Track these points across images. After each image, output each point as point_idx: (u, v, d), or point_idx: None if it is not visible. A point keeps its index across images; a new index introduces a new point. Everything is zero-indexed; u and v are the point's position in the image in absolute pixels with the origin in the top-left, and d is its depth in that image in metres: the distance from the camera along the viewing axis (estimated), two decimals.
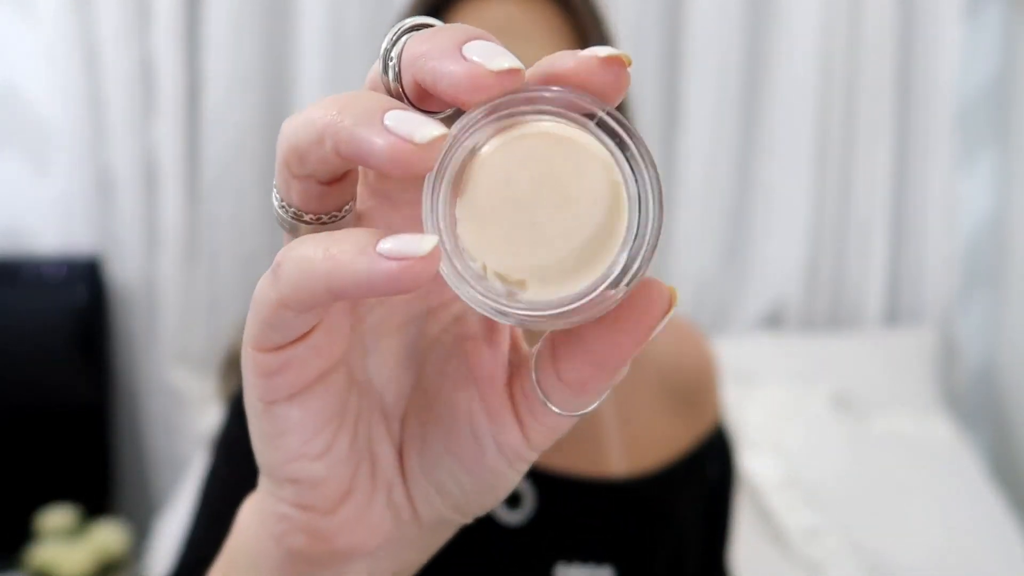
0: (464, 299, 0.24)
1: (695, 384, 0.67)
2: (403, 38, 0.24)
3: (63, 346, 1.53)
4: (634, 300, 0.24)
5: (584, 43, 0.57)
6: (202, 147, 1.59)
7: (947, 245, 1.67)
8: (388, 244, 0.22)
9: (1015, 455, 1.66)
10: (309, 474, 0.27)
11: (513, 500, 0.58)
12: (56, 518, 1.42)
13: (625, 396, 0.64)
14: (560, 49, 0.56)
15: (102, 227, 1.61)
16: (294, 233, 0.25)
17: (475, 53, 0.22)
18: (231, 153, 1.58)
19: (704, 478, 0.65)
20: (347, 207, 0.26)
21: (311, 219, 0.25)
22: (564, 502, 0.59)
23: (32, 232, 1.62)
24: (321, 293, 0.22)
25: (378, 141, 0.22)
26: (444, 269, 0.24)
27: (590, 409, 0.26)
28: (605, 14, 0.60)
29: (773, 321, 1.72)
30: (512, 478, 0.28)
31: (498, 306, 0.24)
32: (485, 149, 0.23)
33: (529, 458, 0.28)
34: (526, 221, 0.23)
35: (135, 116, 1.57)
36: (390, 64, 0.24)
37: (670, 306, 0.25)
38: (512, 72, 0.22)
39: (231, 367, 0.77)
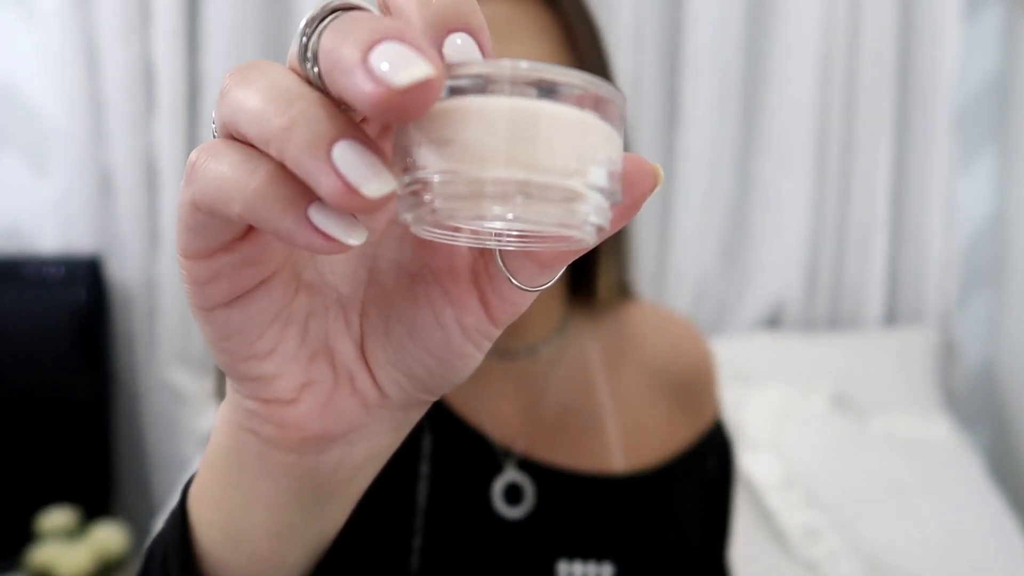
0: (462, 243, 0.24)
1: (693, 381, 0.67)
2: (323, 22, 0.22)
3: (63, 346, 1.53)
4: (624, 177, 0.24)
5: (573, 42, 0.57)
6: None
7: (947, 245, 1.67)
8: (319, 217, 0.22)
9: (1015, 455, 1.66)
10: (260, 372, 0.28)
11: (513, 495, 0.58)
12: (56, 518, 1.42)
13: (624, 393, 0.64)
14: (548, 48, 0.56)
15: (102, 227, 1.61)
16: None
17: (383, 61, 0.20)
18: None
19: (704, 474, 0.65)
20: None
21: None
22: (564, 497, 0.59)
23: (32, 232, 1.62)
24: (233, 211, 0.23)
25: (323, 182, 0.21)
26: (425, 232, 0.23)
27: (552, 282, 0.27)
28: (594, 13, 0.60)
29: (773, 321, 1.72)
30: (478, 356, 0.29)
31: (496, 239, 0.24)
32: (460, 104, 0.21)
33: (493, 335, 0.29)
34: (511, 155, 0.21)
35: (135, 116, 1.56)
36: (308, 63, 0.23)
37: (655, 181, 0.25)
38: (423, 85, 0.20)
39: None
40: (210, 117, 1.56)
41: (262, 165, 0.22)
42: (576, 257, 0.26)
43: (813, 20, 1.59)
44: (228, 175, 0.23)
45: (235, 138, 0.24)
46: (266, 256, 0.26)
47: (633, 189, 0.25)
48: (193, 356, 1.62)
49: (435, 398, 0.30)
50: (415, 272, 0.29)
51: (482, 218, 0.21)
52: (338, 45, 0.21)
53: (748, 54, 1.65)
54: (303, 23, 0.23)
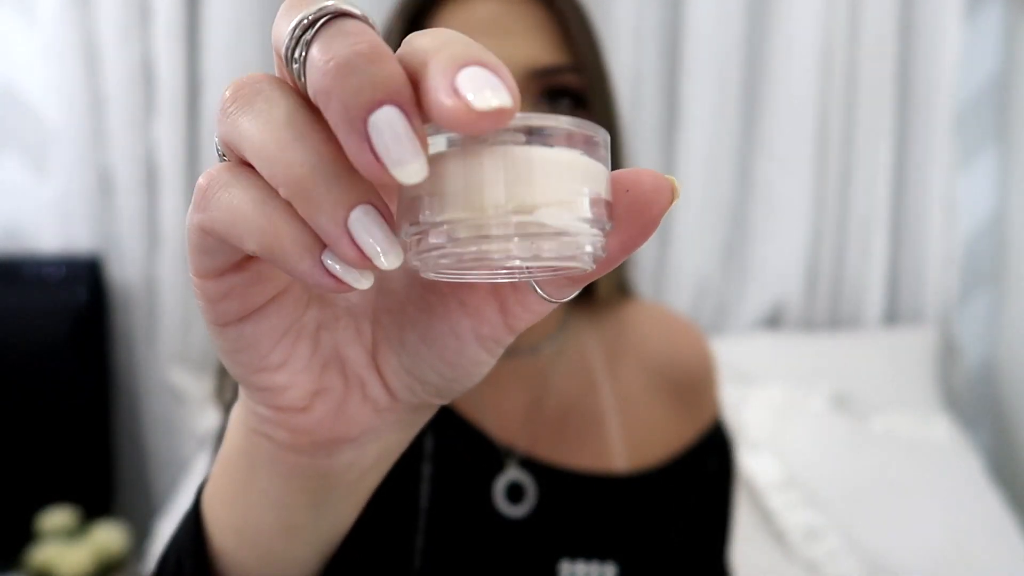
0: (480, 280, 0.25)
1: (694, 380, 0.67)
2: (315, 25, 0.22)
3: (63, 346, 1.53)
4: (640, 195, 0.25)
5: (568, 39, 0.57)
6: (202, 147, 1.59)
7: (947, 245, 1.67)
8: (334, 264, 0.23)
9: (1015, 455, 1.66)
10: (273, 383, 0.28)
11: (515, 494, 0.58)
12: (56, 518, 1.42)
13: (625, 391, 0.64)
14: (544, 46, 0.56)
15: (102, 227, 1.61)
16: None
17: (382, 137, 0.20)
18: None
19: (704, 473, 0.65)
20: None
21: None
22: (566, 496, 0.59)
23: (32, 232, 1.62)
24: (246, 247, 0.23)
25: (340, 248, 0.22)
26: (443, 273, 0.24)
27: (575, 294, 0.27)
28: (589, 10, 0.60)
29: (773, 321, 1.72)
30: (491, 362, 0.29)
31: (513, 274, 0.25)
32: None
33: (507, 342, 0.29)
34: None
35: (135, 116, 1.57)
36: (294, 65, 0.23)
37: (673, 196, 0.25)
38: (416, 168, 0.21)
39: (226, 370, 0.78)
40: (210, 117, 1.57)
41: (278, 207, 0.23)
42: (606, 271, 0.26)
43: (813, 20, 1.59)
44: (241, 210, 0.23)
45: (243, 161, 0.24)
46: (276, 273, 0.26)
47: (652, 206, 0.25)
48: (193, 356, 1.62)
49: (446, 402, 0.31)
50: (428, 282, 0.29)
51: (487, 258, 0.23)
52: (329, 73, 0.21)
53: (748, 54, 1.65)
54: (296, 19, 0.22)
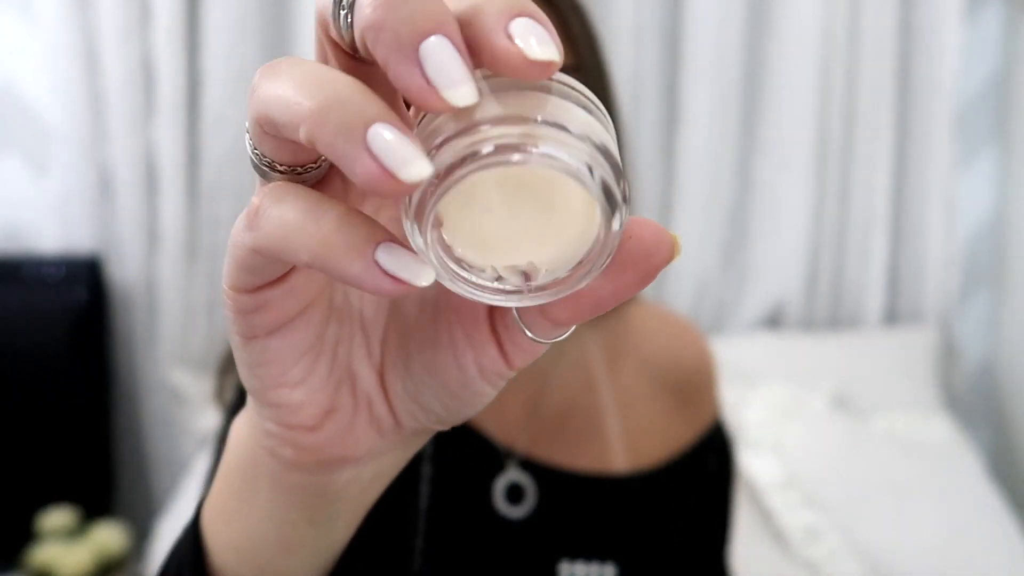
0: (483, 301, 0.24)
1: (694, 380, 0.67)
2: None
3: (63, 346, 1.54)
4: (640, 245, 0.24)
5: (569, 38, 0.57)
6: (202, 147, 1.59)
7: (947, 245, 1.67)
8: (387, 259, 0.22)
9: (1015, 455, 1.66)
10: (289, 400, 0.28)
11: (515, 495, 0.58)
12: (56, 518, 1.42)
13: (625, 392, 0.64)
14: None
15: (102, 227, 1.61)
16: (267, 179, 0.25)
17: (434, 62, 0.20)
18: (231, 153, 1.58)
19: (704, 474, 0.65)
20: (323, 159, 0.25)
21: (285, 169, 0.25)
22: (566, 497, 0.59)
23: (32, 232, 1.62)
24: (300, 260, 0.23)
25: (358, 165, 0.21)
26: (449, 284, 0.24)
27: (567, 334, 0.27)
28: (589, 10, 0.60)
29: (773, 321, 1.72)
30: (492, 394, 0.29)
31: (512, 298, 0.24)
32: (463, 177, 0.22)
33: (508, 376, 0.29)
34: (514, 227, 0.23)
35: (135, 116, 1.57)
36: (341, 12, 0.22)
37: (673, 252, 0.25)
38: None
39: (229, 368, 0.78)
40: (210, 117, 1.57)
41: (327, 212, 0.22)
42: (592, 316, 0.26)
43: (813, 20, 1.59)
44: (291, 222, 0.23)
45: (285, 171, 0.24)
46: (309, 284, 0.26)
47: (651, 257, 0.24)
48: (193, 356, 1.62)
49: (446, 428, 0.31)
50: (438, 310, 0.29)
51: (506, 155, 0.21)
52: (393, 10, 0.20)
53: (748, 54, 1.65)
54: None
